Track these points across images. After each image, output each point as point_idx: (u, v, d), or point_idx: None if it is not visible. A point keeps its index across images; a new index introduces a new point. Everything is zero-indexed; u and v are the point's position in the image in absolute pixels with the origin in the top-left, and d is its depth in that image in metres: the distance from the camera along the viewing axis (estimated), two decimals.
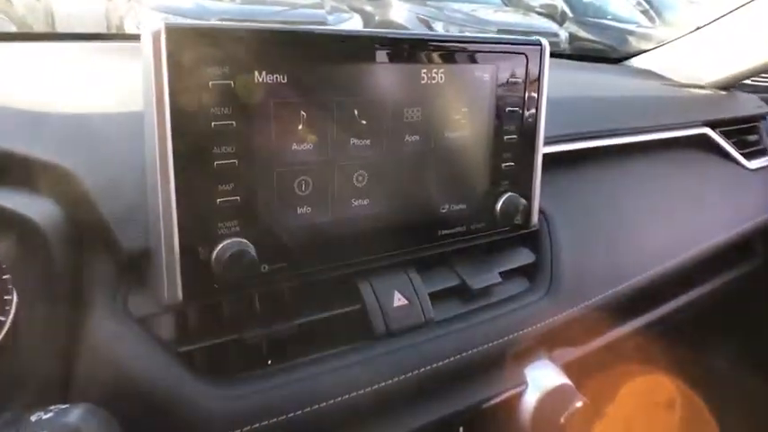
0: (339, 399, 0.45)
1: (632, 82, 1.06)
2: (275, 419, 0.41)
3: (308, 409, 0.43)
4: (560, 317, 0.58)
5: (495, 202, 0.56)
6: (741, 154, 0.96)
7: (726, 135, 0.96)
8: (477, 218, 0.56)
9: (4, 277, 0.39)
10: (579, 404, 0.53)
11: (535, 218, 0.60)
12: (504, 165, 0.56)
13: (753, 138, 0.99)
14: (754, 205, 0.93)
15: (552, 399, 0.54)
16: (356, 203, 0.48)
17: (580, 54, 1.28)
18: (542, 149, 0.59)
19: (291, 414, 0.42)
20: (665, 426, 1.00)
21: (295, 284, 0.47)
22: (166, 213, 0.39)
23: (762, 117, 1.04)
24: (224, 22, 0.39)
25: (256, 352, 0.46)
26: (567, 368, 0.61)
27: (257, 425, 0.41)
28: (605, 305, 0.64)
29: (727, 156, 0.94)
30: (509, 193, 0.56)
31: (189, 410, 0.40)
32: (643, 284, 0.69)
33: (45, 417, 0.32)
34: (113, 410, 0.38)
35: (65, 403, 0.39)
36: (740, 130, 0.99)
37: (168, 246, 0.40)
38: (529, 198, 0.58)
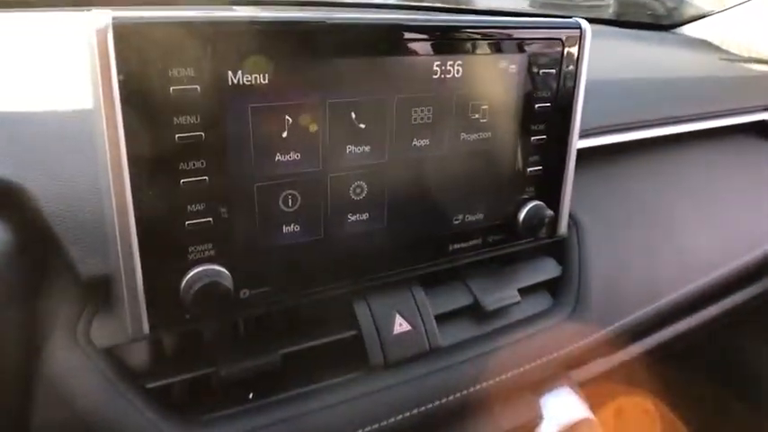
0: None
1: (684, 56, 0.94)
2: None
3: None
4: (588, 340, 0.52)
5: (518, 211, 0.49)
6: None
7: None
8: (496, 230, 0.49)
9: None
10: None
11: (563, 227, 0.53)
12: (529, 170, 0.48)
13: None
14: None
15: None
16: (353, 219, 0.42)
17: (626, 20, 1.15)
18: (576, 150, 0.51)
19: None
20: None
21: (280, 309, 0.42)
22: (124, 240, 0.34)
23: None
24: (186, 13, 0.32)
25: (238, 385, 0.41)
26: (589, 385, 0.55)
27: None
28: (639, 324, 0.57)
29: None
30: (534, 202, 0.49)
31: None
32: (685, 297, 0.61)
33: None
34: None
35: None
36: None
37: (129, 274, 0.34)
38: (557, 207, 0.51)
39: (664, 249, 0.61)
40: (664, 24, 1.13)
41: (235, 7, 0.83)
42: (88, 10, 0.31)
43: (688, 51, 0.97)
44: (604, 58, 0.82)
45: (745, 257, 0.66)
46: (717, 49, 1.01)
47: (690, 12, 1.18)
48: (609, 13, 1.12)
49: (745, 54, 0.99)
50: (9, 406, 0.36)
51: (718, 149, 0.77)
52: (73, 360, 0.37)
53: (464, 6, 0.96)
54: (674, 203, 0.66)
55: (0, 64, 0.46)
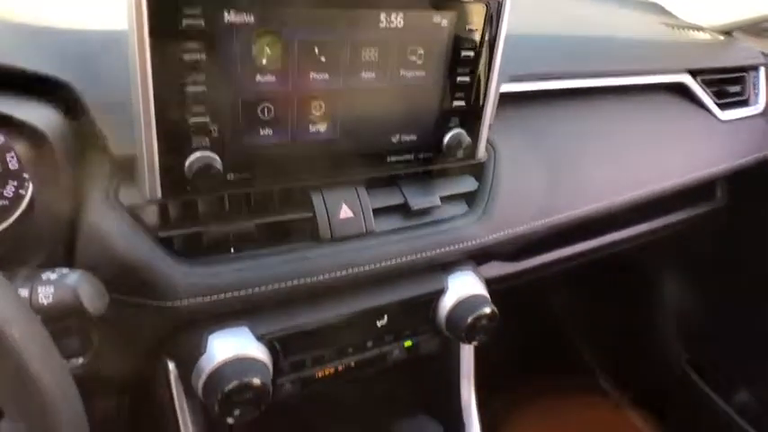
0: (285, 284, 0.56)
1: (631, 17, 1.07)
2: (229, 293, 0.54)
3: (258, 289, 0.55)
4: (488, 239, 0.68)
5: (443, 136, 0.63)
6: (718, 104, 0.99)
7: (708, 84, 0.99)
8: (426, 148, 0.64)
9: (24, 174, 0.50)
10: (487, 310, 0.65)
11: (481, 153, 0.68)
12: (454, 104, 0.62)
13: (735, 89, 1.02)
14: (717, 155, 0.98)
15: (466, 303, 0.65)
16: (313, 129, 0.56)
17: None
18: (496, 92, 0.65)
19: (243, 291, 0.54)
20: None
21: (257, 191, 0.57)
22: (147, 129, 0.48)
23: (752, 68, 1.05)
24: None
25: (223, 243, 0.57)
26: (492, 283, 0.73)
27: (215, 296, 0.53)
28: (536, 233, 0.73)
29: (701, 105, 0.97)
30: (456, 130, 0.63)
31: (160, 278, 0.52)
32: (579, 219, 0.78)
33: (52, 276, 0.44)
34: (103, 274, 0.51)
35: (69, 266, 0.52)
36: (724, 80, 1.01)
37: (149, 155, 0.49)
38: (476, 135, 0.66)
39: (565, 178, 0.77)
40: None
41: None
42: None
43: (636, 12, 1.09)
44: (555, 15, 0.94)
45: (632, 193, 0.82)
46: (662, 12, 1.13)
47: None
48: None
49: (689, 19, 1.11)
50: (60, 241, 0.52)
51: (637, 103, 0.91)
52: (106, 212, 0.52)
53: None
54: (584, 143, 0.81)
55: None
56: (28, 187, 0.53)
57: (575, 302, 1.43)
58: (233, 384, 0.51)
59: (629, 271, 1.27)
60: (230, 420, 0.53)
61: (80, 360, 0.57)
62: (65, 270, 0.45)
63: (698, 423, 1.26)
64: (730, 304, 1.21)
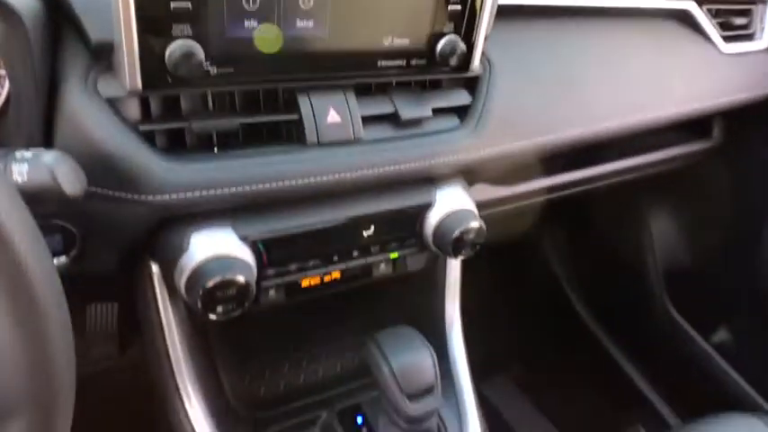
0: (269, 185, 0.55)
1: None
2: (211, 191, 0.53)
3: (240, 188, 0.54)
4: (479, 154, 0.67)
5: (437, 42, 0.61)
6: (722, 36, 0.96)
7: (714, 14, 0.95)
8: (419, 55, 0.61)
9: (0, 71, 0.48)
10: (475, 224, 0.64)
11: (476, 64, 0.65)
12: (450, 8, 0.60)
13: (741, 21, 0.98)
14: (717, 88, 0.96)
15: (453, 217, 0.65)
16: (301, 24, 0.54)
17: None
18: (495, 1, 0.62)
19: (225, 189, 0.53)
20: None
21: (241, 89, 0.56)
22: (126, 14, 0.46)
23: (762, 0, 1.02)
24: None
25: (206, 141, 0.55)
26: (481, 207, 0.72)
27: (196, 192, 0.52)
28: (529, 152, 0.72)
29: (705, 35, 0.94)
30: (451, 36, 0.61)
31: (141, 172, 0.50)
32: (573, 140, 0.77)
33: (27, 155, 0.43)
34: (83, 165, 0.49)
35: None
36: (731, 11, 0.98)
37: (128, 43, 0.47)
38: (470, 45, 0.63)
39: (562, 97, 0.75)
40: None
41: None
42: None
43: None
44: None
45: (629, 118, 0.81)
46: None
47: None
48: None
49: None
50: (38, 130, 0.50)
51: (639, 28, 0.88)
52: (83, 102, 0.50)
53: None
54: (583, 63, 0.79)
55: None
56: (4, 84, 0.51)
57: (561, 239, 1.43)
58: (215, 280, 0.51)
59: (618, 209, 1.27)
60: (213, 317, 0.53)
61: (63, 259, 0.56)
62: (41, 149, 0.44)
63: (679, 361, 1.29)
64: (715, 246, 1.22)
